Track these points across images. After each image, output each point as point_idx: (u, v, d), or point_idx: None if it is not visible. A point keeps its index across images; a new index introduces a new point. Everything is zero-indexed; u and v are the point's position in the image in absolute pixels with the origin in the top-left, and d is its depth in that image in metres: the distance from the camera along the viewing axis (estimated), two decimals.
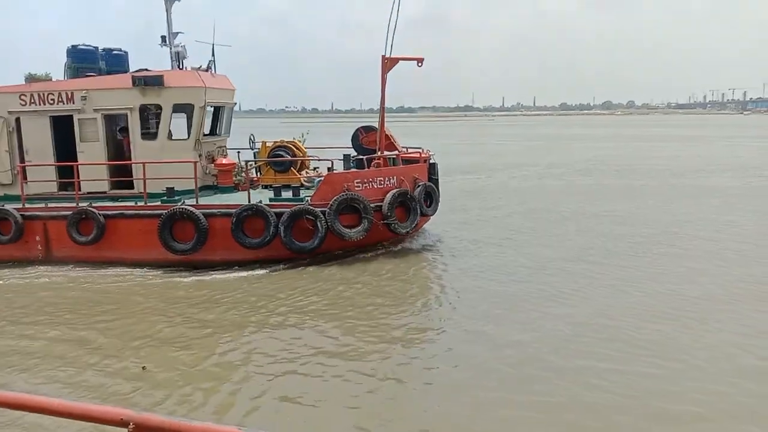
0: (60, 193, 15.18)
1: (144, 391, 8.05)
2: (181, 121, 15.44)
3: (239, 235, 13.77)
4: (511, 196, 25.00)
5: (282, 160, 16.08)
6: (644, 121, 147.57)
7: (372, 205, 14.12)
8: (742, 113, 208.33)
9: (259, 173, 17.10)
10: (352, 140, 16.96)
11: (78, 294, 12.51)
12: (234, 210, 13.80)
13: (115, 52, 16.65)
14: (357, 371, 8.49)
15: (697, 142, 61.11)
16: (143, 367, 8.71)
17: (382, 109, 15.49)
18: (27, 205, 14.53)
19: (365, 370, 8.53)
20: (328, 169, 17.03)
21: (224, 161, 16.00)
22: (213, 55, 16.29)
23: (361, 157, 15.43)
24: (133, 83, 14.61)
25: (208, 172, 15.94)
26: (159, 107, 14.91)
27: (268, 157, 16.34)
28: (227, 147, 17.36)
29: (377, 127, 16.42)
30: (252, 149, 17.09)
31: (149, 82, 14.60)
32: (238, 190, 16.06)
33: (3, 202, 14.83)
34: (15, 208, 14.30)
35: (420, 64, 15.22)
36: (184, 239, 13.94)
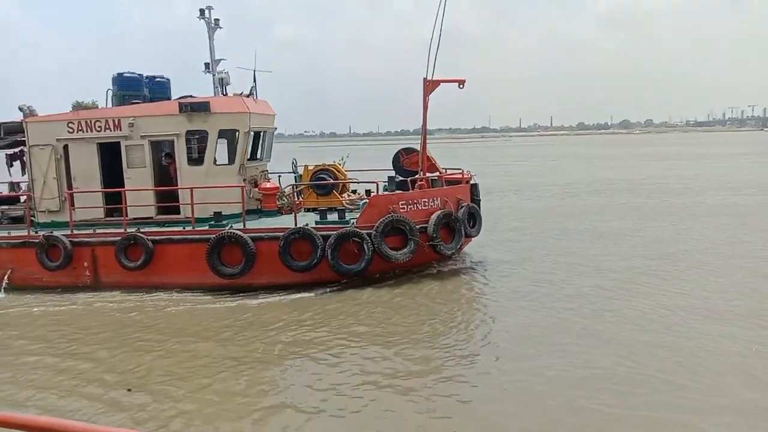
0: (107, 219, 15.35)
1: (191, 416, 8.01)
2: (222, 146, 15.59)
3: (287, 258, 13.79)
4: (541, 216, 24.81)
5: (325, 183, 16.12)
6: (665, 140, 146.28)
7: (417, 226, 14.10)
8: (762, 130, 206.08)
9: (300, 197, 17.16)
10: (393, 162, 17.00)
11: (127, 318, 12.58)
12: (281, 233, 13.85)
13: (157, 79, 16.95)
14: (404, 395, 8.44)
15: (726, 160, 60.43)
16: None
17: (424, 131, 15.54)
18: (75, 232, 14.69)
19: (414, 396, 8.43)
20: (368, 192, 17.10)
21: (268, 185, 16.09)
22: (254, 80, 16.48)
23: (405, 178, 15.39)
24: (180, 109, 14.81)
25: (251, 196, 16.03)
26: (205, 133, 15.08)
27: (310, 181, 16.39)
28: (268, 171, 17.48)
29: (417, 148, 16.48)
30: (294, 173, 17.19)
31: (196, 108, 14.80)
32: (282, 214, 16.13)
33: (51, 228, 15.04)
34: (64, 235, 14.48)
35: (461, 86, 15.27)
36: (232, 263, 13.99)
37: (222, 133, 15.18)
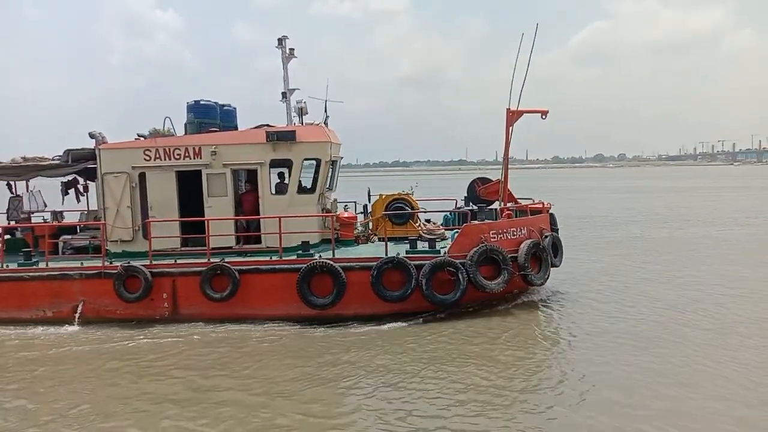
0: (183, 249, 14.91)
1: None
2: (303, 176, 15.37)
3: (379, 288, 13.52)
4: (595, 248, 24.93)
5: (403, 213, 16.00)
6: (640, 174, 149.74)
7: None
8: (732, 164, 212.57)
9: (367, 227, 16.94)
10: (467, 191, 16.97)
11: (214, 350, 12.15)
12: (374, 263, 13.60)
13: (225, 107, 16.73)
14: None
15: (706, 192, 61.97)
16: None
17: (506, 161, 15.60)
18: (154, 262, 14.21)
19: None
20: (427, 221, 17.01)
21: (346, 214, 15.87)
22: (326, 110, 16.36)
23: (491, 208, 15.34)
24: (267, 138, 14.59)
25: (327, 225, 15.78)
26: (289, 162, 14.87)
27: (385, 210, 16.22)
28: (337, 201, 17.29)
29: (491, 178, 16.56)
30: (367, 202, 17.05)
31: (282, 137, 14.61)
32: (358, 243, 15.90)
33: (124, 259, 14.52)
34: (143, 265, 13.98)
35: (544, 117, 15.40)
36: (321, 293, 13.67)
37: (305, 163, 14.99)
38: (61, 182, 17.33)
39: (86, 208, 18.16)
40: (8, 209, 17.43)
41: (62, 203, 17.38)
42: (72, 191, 17.76)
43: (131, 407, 9.50)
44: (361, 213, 17.55)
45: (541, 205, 15.96)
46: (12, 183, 17.66)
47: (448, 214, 18.39)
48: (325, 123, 16.14)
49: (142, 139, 15.70)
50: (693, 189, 70.34)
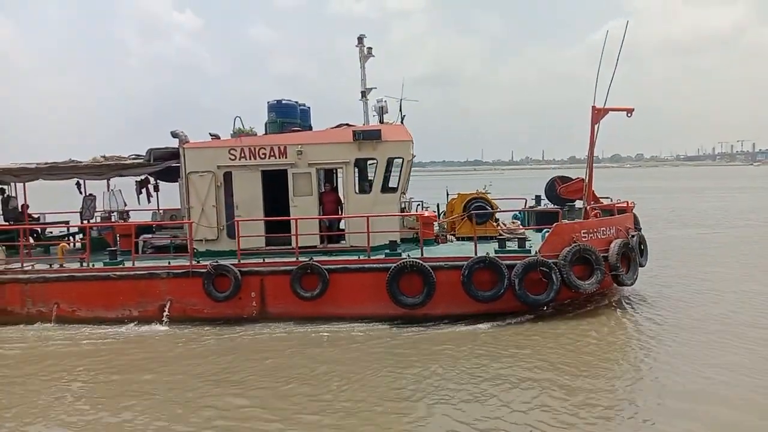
0: (268, 248, 14.87)
1: None
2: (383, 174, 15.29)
3: (470, 287, 13.39)
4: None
5: (486, 212, 15.88)
6: (659, 174, 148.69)
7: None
8: (751, 164, 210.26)
9: (444, 227, 16.84)
10: (546, 191, 16.81)
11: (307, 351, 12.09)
12: (464, 263, 13.49)
13: (302, 107, 16.70)
14: None
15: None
16: None
17: (591, 159, 15.38)
18: (242, 261, 14.18)
19: None
20: (496, 220, 16.87)
21: (426, 213, 15.78)
22: (400, 110, 16.27)
23: (580, 206, 15.16)
24: (354, 137, 14.53)
25: (405, 225, 15.70)
26: (373, 161, 14.81)
27: (464, 209, 16.11)
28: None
29: (571, 177, 16.36)
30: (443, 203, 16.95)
31: (368, 136, 14.55)
32: (438, 243, 15.79)
33: (209, 258, 14.50)
34: (233, 264, 13.96)
35: (630, 115, 15.19)
36: (410, 293, 13.57)
37: (389, 161, 14.92)
38: (136, 181, 17.40)
39: (155, 208, 18.29)
40: (82, 209, 17.54)
41: (138, 202, 17.43)
42: (144, 190, 17.88)
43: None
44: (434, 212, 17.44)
45: (625, 204, 15.74)
46: (81, 182, 17.78)
47: (517, 213, 18.29)
48: (401, 122, 16.07)
49: (214, 138, 15.73)
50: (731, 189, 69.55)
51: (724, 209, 42.43)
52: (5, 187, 17.89)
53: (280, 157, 14.81)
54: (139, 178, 17.37)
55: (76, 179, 17.45)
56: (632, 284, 14.65)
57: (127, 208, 17.41)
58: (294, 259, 14.03)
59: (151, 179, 17.79)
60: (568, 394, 9.51)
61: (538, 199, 18.41)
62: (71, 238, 18.01)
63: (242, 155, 14.89)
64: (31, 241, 16.93)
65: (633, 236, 14.85)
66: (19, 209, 17.95)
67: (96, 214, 17.96)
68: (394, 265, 13.49)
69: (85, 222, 17.48)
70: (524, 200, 18.61)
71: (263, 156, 14.84)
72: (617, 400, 9.33)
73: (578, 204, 16.35)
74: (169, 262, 14.42)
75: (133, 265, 14.38)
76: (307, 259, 13.87)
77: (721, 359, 10.85)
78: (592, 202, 16.06)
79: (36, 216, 18.08)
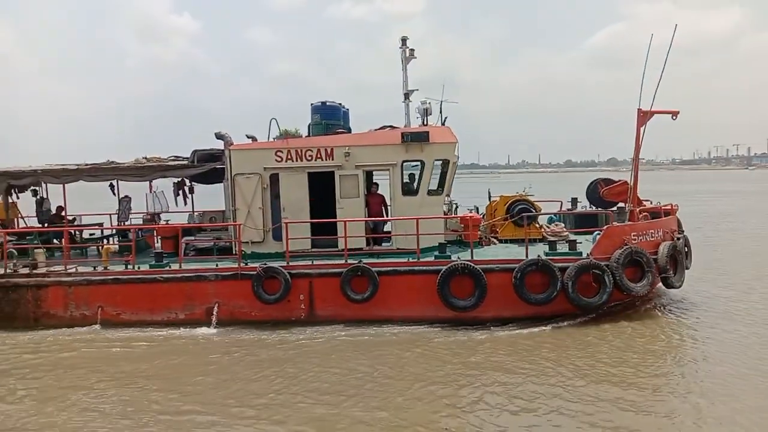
0: (314, 250, 14.77)
1: None
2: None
3: (523, 290, 13.34)
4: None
5: (534, 214, 15.84)
6: (654, 178, 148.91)
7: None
8: (747, 168, 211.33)
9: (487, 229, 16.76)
10: (588, 193, 16.80)
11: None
12: (514, 265, 13.44)
13: (343, 109, 16.63)
14: None
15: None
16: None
17: (636, 162, 15.37)
18: (291, 263, 14.08)
19: None
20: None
21: (469, 216, 15.71)
22: (441, 111, 16.19)
23: (628, 209, 15.10)
24: (402, 139, 14.47)
25: (448, 227, 15.63)
26: (420, 163, 14.76)
27: (506, 212, 16.06)
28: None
29: (613, 179, 16.36)
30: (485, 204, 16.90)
31: (416, 138, 14.49)
32: (482, 245, 15.72)
33: (257, 260, 14.40)
34: (282, 267, 13.86)
35: (674, 118, 15.18)
36: (461, 295, 13.51)
37: (436, 163, 14.87)
38: (174, 183, 17.27)
39: (190, 210, 18.16)
40: (119, 210, 17.39)
41: (176, 204, 17.29)
42: (180, 192, 17.74)
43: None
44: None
45: (669, 207, 15.74)
46: (114, 184, 17.59)
47: (552, 215, 18.22)
48: (443, 123, 16.02)
49: (251, 140, 15.63)
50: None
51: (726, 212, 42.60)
52: (38, 188, 17.74)
53: (326, 159, 14.73)
54: (176, 180, 17.22)
55: (110, 181, 17.29)
56: (680, 287, 14.63)
57: (160, 211, 17.23)
58: (343, 261, 13.95)
59: (187, 181, 17.66)
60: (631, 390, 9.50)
61: (574, 201, 18.37)
62: (108, 240, 17.84)
63: (289, 157, 14.80)
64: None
65: (679, 238, 14.85)
66: (53, 211, 17.81)
67: (131, 215, 17.80)
68: (446, 267, 13.43)
69: (122, 223, 17.35)
70: (560, 202, 18.57)
71: (310, 158, 14.76)
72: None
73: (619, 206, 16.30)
74: (216, 264, 14.31)
75: (180, 267, 14.25)
76: (357, 262, 13.79)
77: None
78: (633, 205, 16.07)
79: (71, 218, 17.89)
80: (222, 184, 15.73)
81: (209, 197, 19.34)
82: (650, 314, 14.22)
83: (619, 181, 16.53)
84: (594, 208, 16.84)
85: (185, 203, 17.74)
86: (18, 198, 17.21)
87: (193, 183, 17.83)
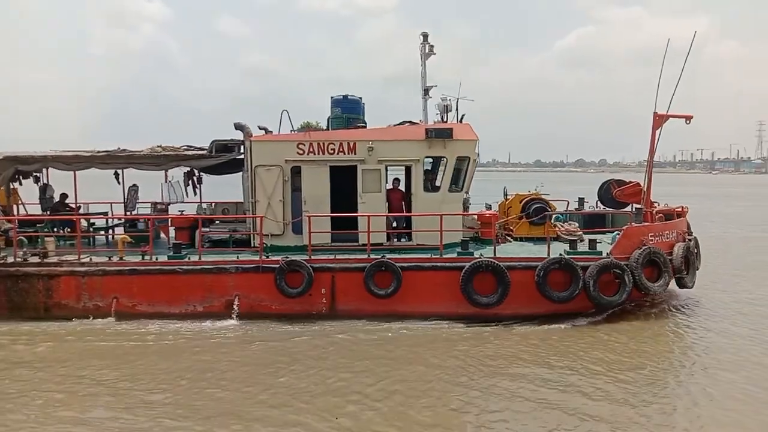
0: (334, 244, 14.68)
1: None
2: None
3: (546, 288, 13.53)
4: None
5: (556, 213, 16.10)
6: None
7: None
8: (710, 173, 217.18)
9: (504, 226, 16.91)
10: (601, 193, 17.08)
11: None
12: (536, 263, 13.62)
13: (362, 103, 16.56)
14: None
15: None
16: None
17: (650, 164, 15.71)
18: (313, 257, 13.99)
19: None
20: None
21: (487, 213, 15.84)
22: (456, 108, 16.25)
23: (645, 210, 15.41)
24: (426, 135, 14.49)
25: (465, 224, 15.72)
26: (442, 159, 14.80)
27: (521, 210, 16.23)
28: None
29: (626, 180, 16.70)
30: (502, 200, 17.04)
31: (440, 134, 14.52)
32: (498, 243, 15.84)
33: (274, 253, 14.27)
34: (305, 260, 13.76)
35: (688, 122, 15.55)
36: (483, 292, 13.62)
37: (457, 160, 14.93)
38: (184, 173, 16.97)
39: (199, 200, 17.87)
40: (126, 199, 17.02)
41: (186, 194, 16.97)
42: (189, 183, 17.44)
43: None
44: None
45: (680, 209, 16.12)
46: (120, 173, 17.17)
47: (560, 215, 18.48)
48: (460, 121, 16.09)
49: (264, 132, 15.46)
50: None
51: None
52: (39, 175, 17.23)
53: (349, 153, 14.65)
54: (186, 170, 16.92)
55: (114, 169, 16.87)
56: (692, 287, 15.02)
57: (175, 201, 16.88)
58: (365, 256, 13.92)
59: (196, 172, 17.36)
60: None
61: (581, 201, 18.68)
62: (114, 230, 17.44)
63: (311, 150, 14.67)
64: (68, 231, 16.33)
65: (690, 239, 15.24)
66: (56, 198, 17.33)
67: (137, 204, 17.44)
68: (469, 264, 13.53)
69: (130, 213, 16.99)
70: (566, 202, 18.85)
71: (332, 151, 14.66)
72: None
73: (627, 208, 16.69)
74: (237, 257, 14.12)
75: (200, 259, 14.03)
76: (380, 257, 13.78)
77: None
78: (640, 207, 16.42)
79: (76, 206, 17.42)
80: (233, 174, 15.49)
81: (215, 187, 19.10)
82: (665, 314, 14.58)
83: (632, 182, 16.85)
84: (605, 208, 17.16)
85: (194, 193, 17.45)
86: (21, 184, 16.65)
87: (201, 174, 17.55)
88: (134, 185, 17.14)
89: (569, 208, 18.55)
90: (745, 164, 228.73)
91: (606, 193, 16.96)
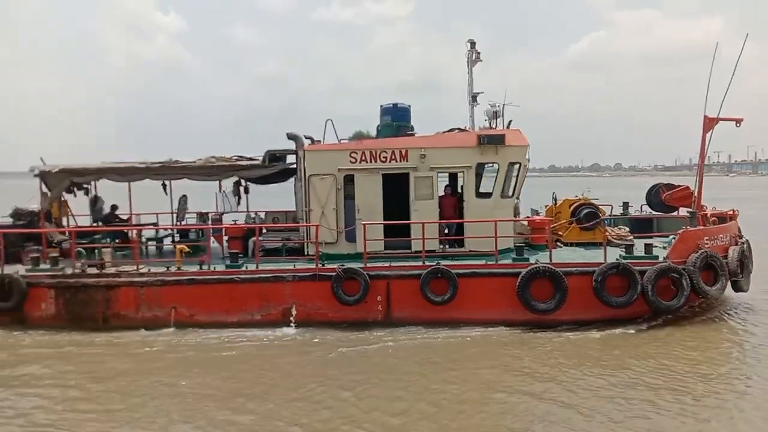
0: (386, 251, 14.76)
1: None
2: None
3: (603, 293, 13.51)
4: None
5: (605, 218, 16.09)
6: (637, 183, 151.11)
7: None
8: (727, 175, 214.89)
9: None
10: (650, 197, 17.05)
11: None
12: (595, 268, 13.60)
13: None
14: None
15: None
16: None
17: (701, 167, 15.67)
18: (369, 264, 14.08)
19: None
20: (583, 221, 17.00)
21: (538, 219, 15.87)
22: (502, 114, 16.33)
23: (699, 213, 15.35)
24: (479, 141, 14.57)
25: (515, 230, 15.76)
26: (494, 165, 14.87)
27: (571, 215, 16.23)
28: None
29: (675, 184, 16.68)
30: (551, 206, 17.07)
31: (492, 140, 14.61)
32: (549, 248, 15.85)
33: (329, 261, 14.39)
34: (361, 268, 13.86)
35: (738, 125, 15.50)
36: (540, 298, 13.63)
37: (509, 166, 15.00)
38: (233, 183, 17.15)
39: (245, 210, 18.04)
40: (178, 209, 17.24)
41: (238, 204, 17.14)
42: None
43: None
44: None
45: (731, 212, 16.06)
46: (167, 183, 17.35)
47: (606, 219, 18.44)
48: (507, 126, 16.16)
49: (309, 141, 15.63)
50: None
51: None
52: (89, 186, 17.49)
53: (401, 161, 14.77)
54: (235, 180, 17.11)
55: (162, 180, 17.07)
56: (747, 290, 14.92)
57: (229, 211, 17.05)
58: (420, 263, 13.99)
59: (243, 181, 17.55)
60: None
61: (625, 205, 18.66)
62: (162, 241, 17.66)
63: (363, 158, 14.81)
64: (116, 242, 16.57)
65: (743, 242, 15.16)
66: (106, 210, 17.60)
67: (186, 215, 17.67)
68: (526, 270, 13.55)
69: (180, 223, 17.22)
70: (610, 206, 18.81)
71: (384, 159, 14.78)
72: None
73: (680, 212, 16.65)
74: (294, 265, 14.26)
75: (257, 268, 14.17)
76: (435, 264, 13.84)
77: None
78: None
79: (125, 217, 17.69)
80: (277, 184, 15.55)
81: (258, 197, 19.27)
82: (724, 317, 14.50)
83: (681, 186, 16.81)
84: (653, 212, 17.14)
85: (238, 204, 17.63)
86: (75, 196, 16.93)
87: (248, 183, 17.72)
88: (184, 195, 17.37)
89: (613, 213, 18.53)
90: (763, 166, 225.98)
91: (655, 197, 16.93)
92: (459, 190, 15.71)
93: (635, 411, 9.29)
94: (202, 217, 18.44)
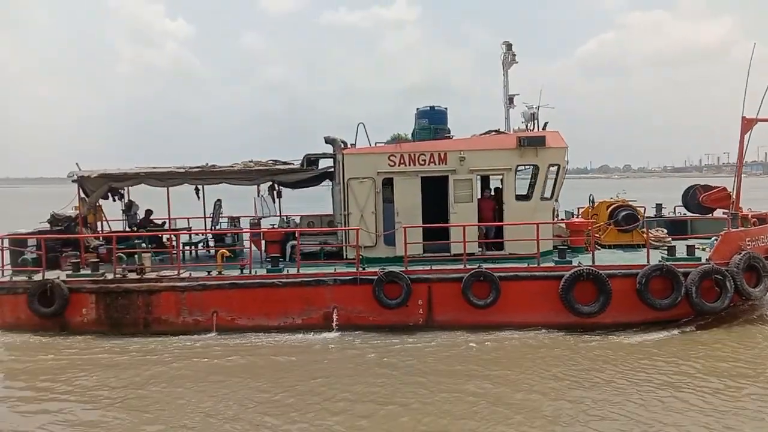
0: (426, 255, 14.73)
1: None
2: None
3: (647, 296, 13.44)
4: None
5: (645, 220, 16.03)
6: (646, 185, 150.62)
7: None
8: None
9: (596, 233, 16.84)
10: (687, 198, 16.96)
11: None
12: (638, 270, 13.54)
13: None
14: None
15: None
16: None
17: (740, 169, 15.57)
18: (409, 268, 14.07)
19: None
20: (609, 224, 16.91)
21: (577, 221, 15.82)
22: (537, 117, 16.28)
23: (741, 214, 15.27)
24: (519, 144, 14.55)
25: (554, 232, 15.69)
26: (534, 167, 14.84)
27: (609, 217, 16.17)
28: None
29: (712, 185, 16.60)
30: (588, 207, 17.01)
31: (532, 142, 14.57)
32: (587, 251, 15.79)
33: (368, 264, 14.39)
34: (402, 271, 13.84)
35: None
36: (583, 300, 13.57)
37: (549, 168, 14.96)
38: (268, 187, 17.18)
39: (278, 214, 18.05)
40: (213, 214, 17.29)
41: (276, 209, 17.14)
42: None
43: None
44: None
45: (767, 214, 15.96)
46: (200, 188, 17.35)
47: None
48: (543, 128, 16.12)
49: (344, 145, 15.61)
50: None
51: None
52: (123, 191, 17.57)
53: (440, 164, 14.76)
54: (269, 184, 17.12)
55: (200, 185, 17.05)
56: None
57: (268, 215, 17.06)
58: (461, 267, 13.97)
59: (276, 185, 17.57)
60: None
61: (659, 207, 18.58)
62: (196, 245, 17.70)
63: (402, 161, 14.81)
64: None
65: None
66: (142, 215, 17.68)
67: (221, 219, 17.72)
68: (569, 272, 13.50)
69: (215, 227, 17.27)
70: (643, 208, 18.70)
71: (423, 162, 14.78)
72: None
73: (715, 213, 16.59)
74: (335, 269, 14.26)
75: (298, 272, 14.18)
76: (476, 267, 13.81)
77: None
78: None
79: (160, 222, 17.76)
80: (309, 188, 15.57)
81: (290, 201, 19.31)
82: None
83: (718, 187, 16.73)
84: (690, 213, 17.06)
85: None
86: (114, 201, 17.02)
87: (281, 187, 17.73)
88: (218, 200, 17.42)
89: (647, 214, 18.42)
90: None
91: (692, 198, 16.84)
92: (492, 193, 15.71)
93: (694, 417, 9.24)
94: (233, 221, 18.48)
